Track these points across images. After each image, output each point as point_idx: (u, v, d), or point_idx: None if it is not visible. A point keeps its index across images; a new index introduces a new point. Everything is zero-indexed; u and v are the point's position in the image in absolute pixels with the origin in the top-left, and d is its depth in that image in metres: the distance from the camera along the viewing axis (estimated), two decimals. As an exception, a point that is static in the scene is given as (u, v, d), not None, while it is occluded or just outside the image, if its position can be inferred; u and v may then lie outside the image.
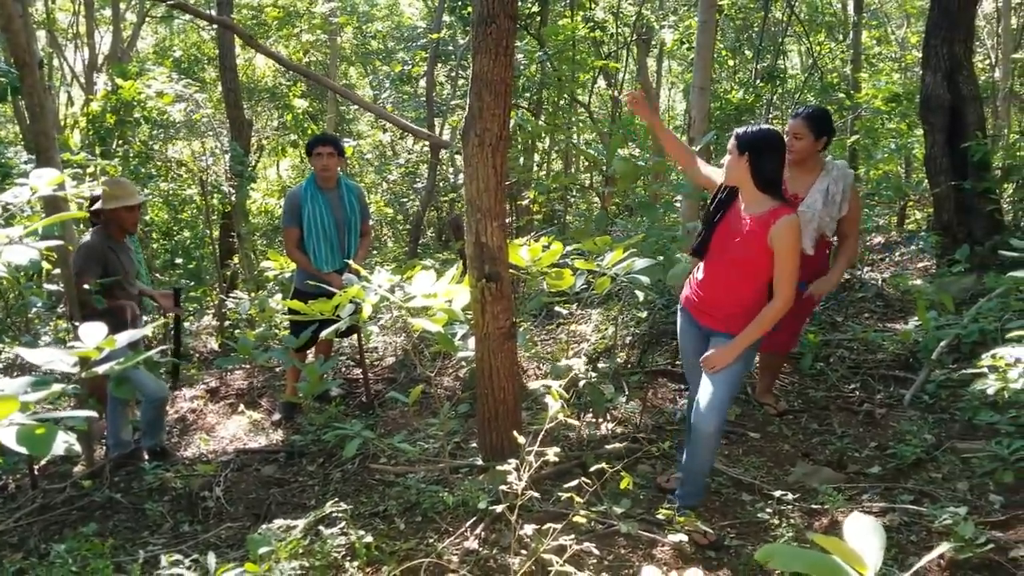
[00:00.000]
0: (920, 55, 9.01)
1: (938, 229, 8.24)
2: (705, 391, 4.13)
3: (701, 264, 4.26)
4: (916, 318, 6.05)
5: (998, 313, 5.92)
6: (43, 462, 5.83)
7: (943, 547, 3.58)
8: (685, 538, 3.95)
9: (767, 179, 3.95)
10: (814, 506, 4.39)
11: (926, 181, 8.87)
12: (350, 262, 5.75)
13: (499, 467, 3.89)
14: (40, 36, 16.59)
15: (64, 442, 2.02)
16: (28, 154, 8.00)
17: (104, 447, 5.94)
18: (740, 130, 4.02)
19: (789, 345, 5.73)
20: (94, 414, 2.32)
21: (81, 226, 6.72)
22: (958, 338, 5.97)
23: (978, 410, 5.12)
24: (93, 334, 2.40)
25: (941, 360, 5.95)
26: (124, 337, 2.44)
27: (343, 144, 6.61)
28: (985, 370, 4.03)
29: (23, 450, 1.98)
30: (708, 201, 4.34)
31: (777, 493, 4.41)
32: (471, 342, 4.87)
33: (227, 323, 9.37)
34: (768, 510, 4.31)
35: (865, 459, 5.00)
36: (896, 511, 4.26)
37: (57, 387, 2.21)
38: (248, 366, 7.87)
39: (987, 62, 16.40)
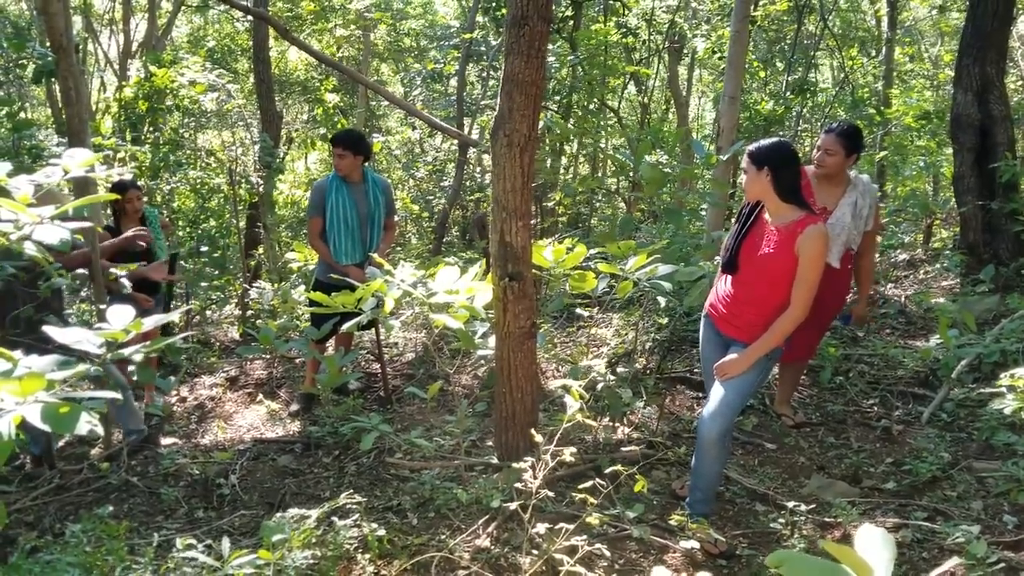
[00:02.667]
0: (952, 74, 8.99)
1: (964, 248, 8.22)
2: (714, 397, 4.15)
3: (726, 275, 4.27)
4: (937, 336, 6.02)
5: (1020, 334, 5.89)
6: (61, 443, 5.88)
7: (953, 561, 3.57)
8: (697, 545, 3.96)
9: (788, 189, 3.97)
10: (827, 519, 4.38)
11: (953, 200, 8.84)
12: (373, 255, 5.75)
13: (515, 466, 3.90)
14: (76, 20, 16.73)
15: (88, 422, 2.05)
16: (59, 137, 8.09)
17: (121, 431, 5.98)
18: (752, 147, 4.06)
19: (807, 355, 5.72)
20: (117, 395, 2.35)
21: (108, 210, 6.78)
22: (979, 358, 5.94)
23: (996, 430, 5.10)
24: (120, 317, 2.43)
25: (961, 379, 5.93)
26: (151, 321, 2.48)
27: (366, 142, 6.54)
28: (1004, 390, 4.02)
29: (47, 427, 2.01)
30: (734, 218, 4.35)
31: (791, 504, 4.40)
32: (491, 340, 4.87)
33: (249, 313, 9.43)
34: (781, 521, 4.30)
35: (880, 474, 4.98)
36: (909, 527, 4.25)
37: (82, 367, 2.24)
38: (268, 356, 7.91)
39: (1019, 83, 16.30)
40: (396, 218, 6.84)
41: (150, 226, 6.59)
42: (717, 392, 4.13)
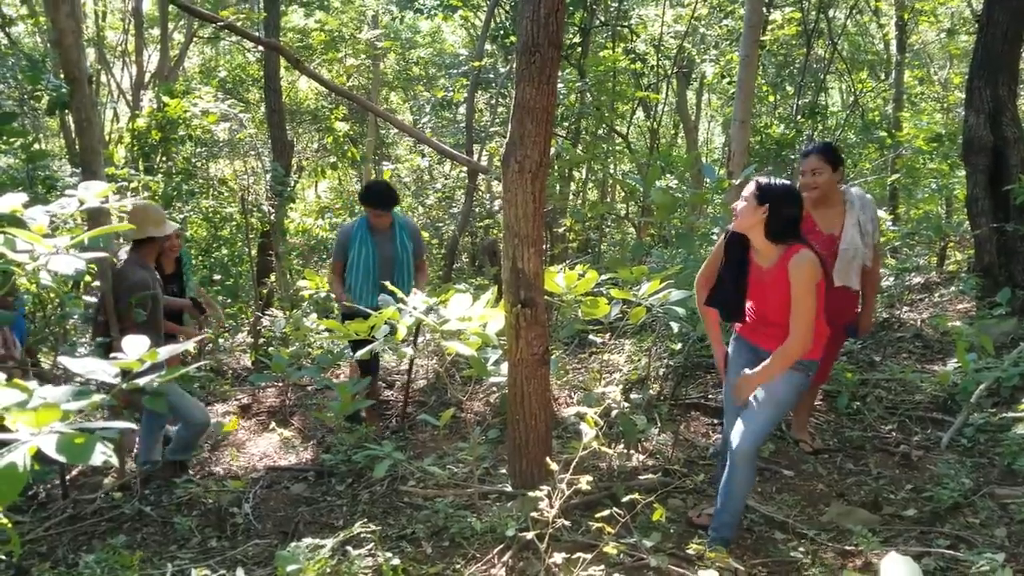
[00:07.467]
0: (963, 96, 8.97)
1: (979, 271, 8.17)
2: (748, 413, 4.09)
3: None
4: (955, 360, 5.97)
5: (1039, 358, 5.84)
6: (74, 472, 5.87)
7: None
8: (715, 574, 3.91)
9: (779, 231, 3.94)
10: (847, 547, 4.32)
11: (967, 222, 8.80)
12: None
13: (530, 494, 3.87)
14: (89, 53, 16.87)
15: (102, 453, 2.03)
16: (72, 167, 8.13)
17: (134, 460, 5.97)
18: (763, 181, 4.01)
19: (821, 379, 5.68)
20: (132, 426, 2.33)
21: (122, 239, 6.81)
22: (998, 382, 5.89)
23: (1017, 455, 5.02)
24: (135, 346, 2.42)
25: (980, 403, 5.87)
26: (165, 351, 2.46)
27: (395, 192, 6.75)
28: (1025, 415, 3.97)
29: (62, 458, 1.99)
30: (719, 269, 4.29)
31: (810, 532, 4.35)
32: (504, 367, 4.85)
33: (261, 340, 9.42)
34: (801, 549, 4.25)
35: (901, 501, 4.92)
36: (932, 555, 4.18)
37: (97, 397, 2.23)
38: (281, 384, 7.90)
39: (1031, 104, 16.27)
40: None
41: (183, 264, 6.92)
42: (752, 408, 4.09)
